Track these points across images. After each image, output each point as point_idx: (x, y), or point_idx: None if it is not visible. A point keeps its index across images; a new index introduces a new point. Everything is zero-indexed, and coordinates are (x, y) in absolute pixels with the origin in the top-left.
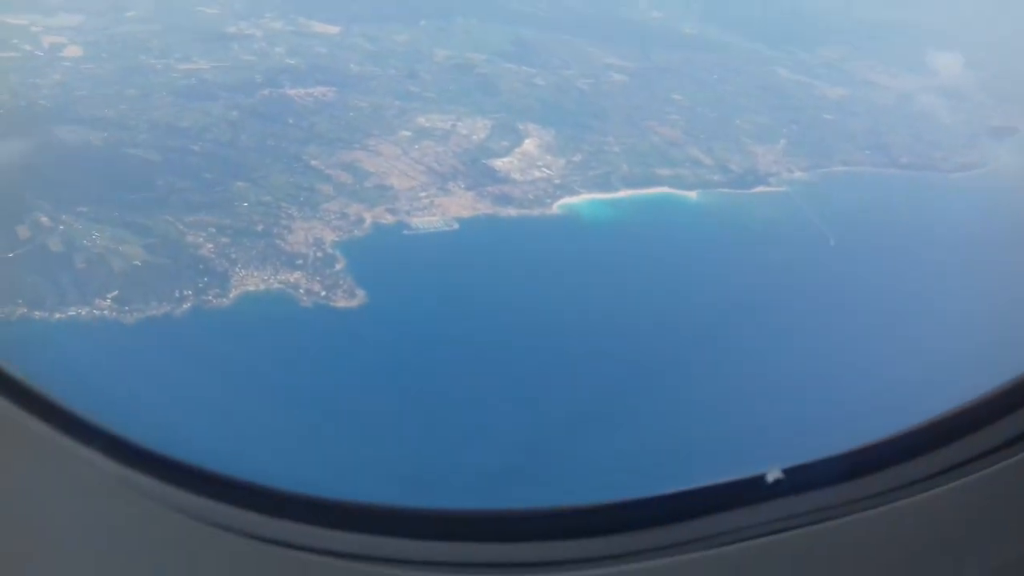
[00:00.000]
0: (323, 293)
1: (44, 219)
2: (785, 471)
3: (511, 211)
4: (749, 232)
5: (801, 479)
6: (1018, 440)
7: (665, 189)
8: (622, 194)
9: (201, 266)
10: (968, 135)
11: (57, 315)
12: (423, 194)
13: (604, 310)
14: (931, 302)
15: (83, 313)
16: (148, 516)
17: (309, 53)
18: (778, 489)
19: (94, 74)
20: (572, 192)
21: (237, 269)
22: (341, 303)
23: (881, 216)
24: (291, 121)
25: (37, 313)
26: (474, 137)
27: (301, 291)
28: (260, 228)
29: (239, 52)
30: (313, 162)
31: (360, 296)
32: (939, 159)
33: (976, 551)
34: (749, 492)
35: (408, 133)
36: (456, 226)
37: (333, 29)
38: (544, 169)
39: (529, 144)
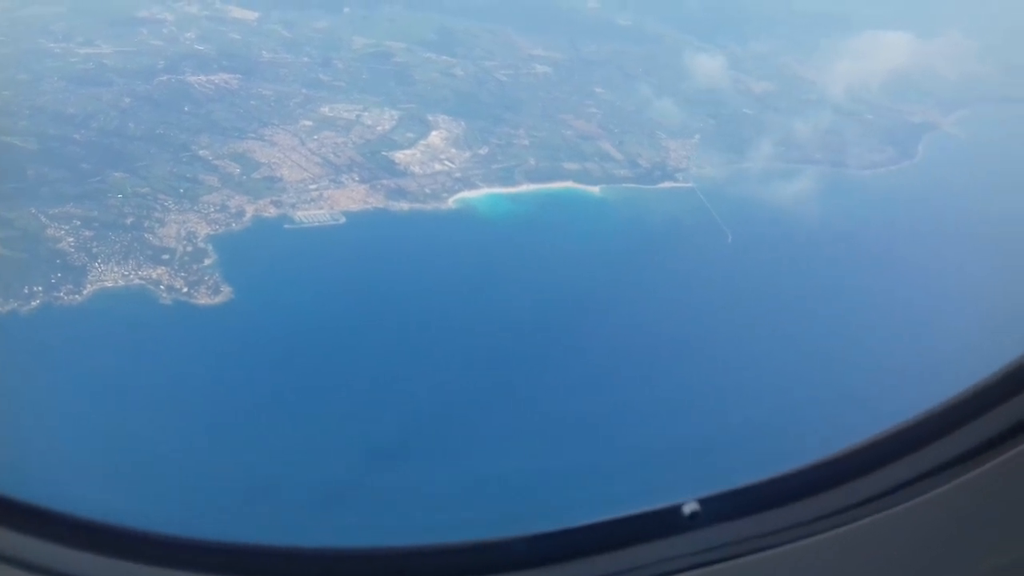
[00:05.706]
0: (185, 290)
1: None
2: (701, 501)
3: (403, 205)
4: (644, 228)
5: (718, 509)
6: (944, 468)
7: (568, 184)
8: (523, 188)
9: (58, 260)
10: (885, 132)
11: None
12: (313, 186)
13: (472, 306)
14: (816, 299)
15: None
16: None
17: (221, 39)
18: (696, 521)
19: None
20: (472, 186)
21: (96, 264)
22: (202, 300)
23: (782, 212)
24: (187, 109)
25: None
26: (378, 128)
27: (162, 287)
28: (129, 221)
29: (147, 37)
30: (201, 152)
31: (225, 293)
32: (852, 156)
33: None
34: (666, 524)
35: (309, 123)
36: (342, 220)
37: (251, 15)
38: (446, 162)
39: (435, 136)
